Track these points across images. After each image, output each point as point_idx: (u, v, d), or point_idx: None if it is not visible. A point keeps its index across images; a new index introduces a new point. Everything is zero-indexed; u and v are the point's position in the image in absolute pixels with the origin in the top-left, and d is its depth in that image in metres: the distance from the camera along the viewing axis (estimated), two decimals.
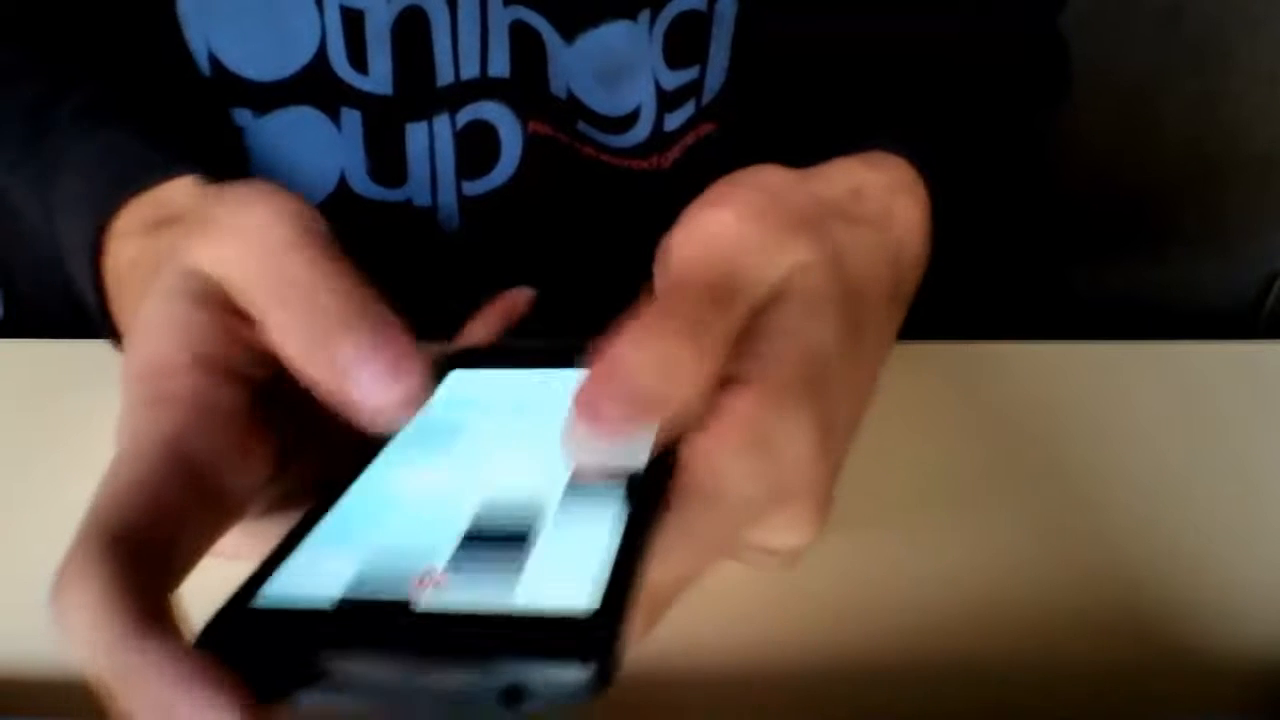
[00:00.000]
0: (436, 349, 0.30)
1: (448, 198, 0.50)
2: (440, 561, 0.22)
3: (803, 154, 0.32)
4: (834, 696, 0.33)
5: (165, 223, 0.33)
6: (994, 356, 0.46)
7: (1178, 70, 0.84)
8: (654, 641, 0.25)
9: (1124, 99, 0.85)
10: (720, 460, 0.24)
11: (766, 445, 0.25)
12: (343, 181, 0.49)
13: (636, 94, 0.49)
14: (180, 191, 0.35)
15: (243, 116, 0.48)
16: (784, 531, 0.27)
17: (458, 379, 0.30)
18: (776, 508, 0.26)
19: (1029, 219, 0.56)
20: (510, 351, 0.32)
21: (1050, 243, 0.80)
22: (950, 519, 0.39)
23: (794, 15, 0.48)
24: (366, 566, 0.22)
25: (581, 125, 0.50)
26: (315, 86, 0.47)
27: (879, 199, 0.33)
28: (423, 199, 0.50)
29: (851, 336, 0.27)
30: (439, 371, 0.30)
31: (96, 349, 0.40)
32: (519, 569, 0.21)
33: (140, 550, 0.22)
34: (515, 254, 0.51)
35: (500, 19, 0.46)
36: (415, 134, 0.49)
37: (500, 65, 0.48)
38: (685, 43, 0.48)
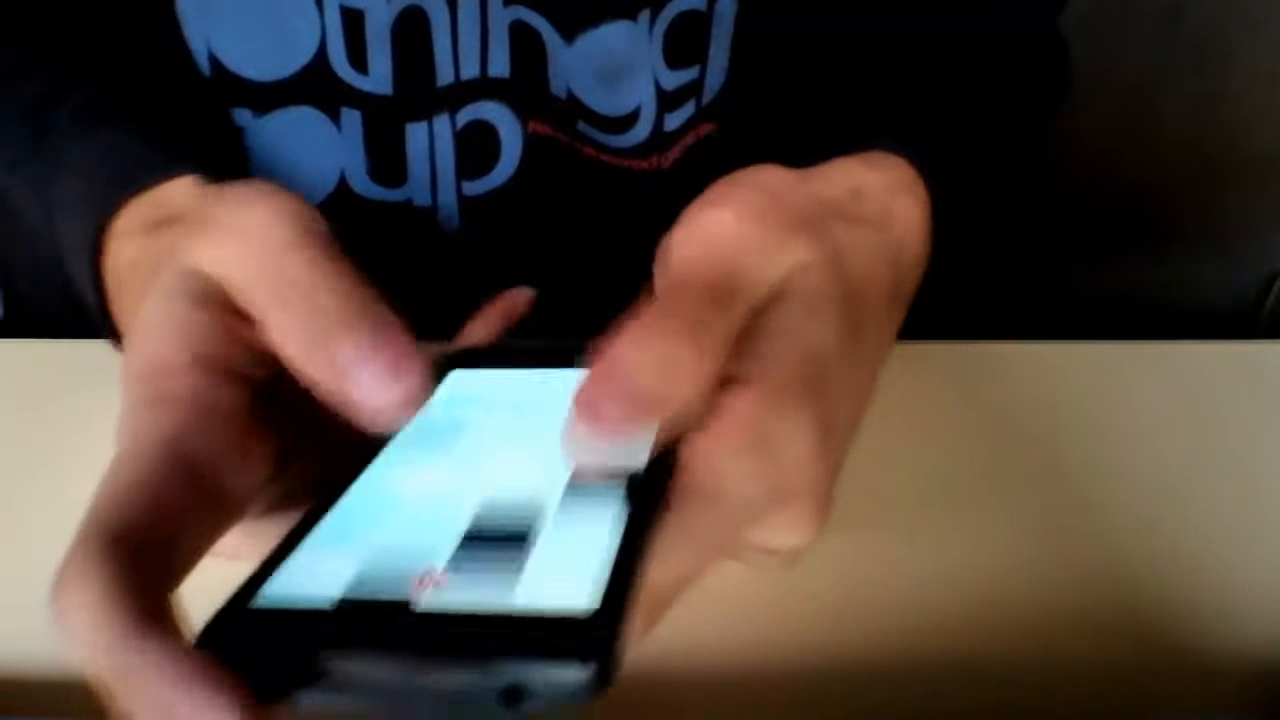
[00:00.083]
0: (436, 349, 0.30)
1: (448, 198, 0.50)
2: (440, 561, 0.22)
3: (803, 154, 0.32)
4: (834, 696, 0.33)
5: (165, 223, 0.34)
6: (994, 356, 0.46)
7: (1178, 70, 0.84)
8: (654, 641, 0.25)
9: (1124, 99, 0.85)
10: (720, 460, 0.24)
11: (766, 445, 0.25)
12: (343, 181, 0.49)
13: (636, 94, 0.49)
14: (180, 191, 0.35)
15: (243, 116, 0.48)
16: (784, 531, 0.27)
17: (458, 379, 0.30)
18: (776, 507, 0.26)
19: (1029, 219, 0.56)
20: (510, 351, 0.32)
21: (1050, 243, 0.80)
22: (950, 519, 0.39)
23: (794, 15, 0.48)
24: (366, 566, 0.22)
25: (581, 125, 0.50)
26: (315, 86, 0.47)
27: (879, 199, 0.33)
28: (423, 199, 0.50)
29: (852, 336, 0.27)
30: (439, 371, 0.30)
31: (96, 349, 0.40)
32: (519, 569, 0.21)
33: (140, 550, 0.22)
34: (515, 254, 0.51)
35: (500, 19, 0.46)
36: (415, 134, 0.49)
37: (500, 65, 0.48)
38: (685, 43, 0.48)
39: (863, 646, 0.34)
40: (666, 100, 0.50)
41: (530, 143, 0.49)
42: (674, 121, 0.50)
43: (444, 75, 0.47)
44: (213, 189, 0.33)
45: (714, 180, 0.29)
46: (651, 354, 0.24)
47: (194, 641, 0.20)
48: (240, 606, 0.21)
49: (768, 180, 0.29)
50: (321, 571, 0.22)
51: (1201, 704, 0.33)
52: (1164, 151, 0.88)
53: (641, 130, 0.50)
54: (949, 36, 0.48)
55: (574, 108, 0.49)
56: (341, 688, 0.20)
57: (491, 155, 0.50)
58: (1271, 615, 0.36)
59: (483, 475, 0.25)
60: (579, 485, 0.24)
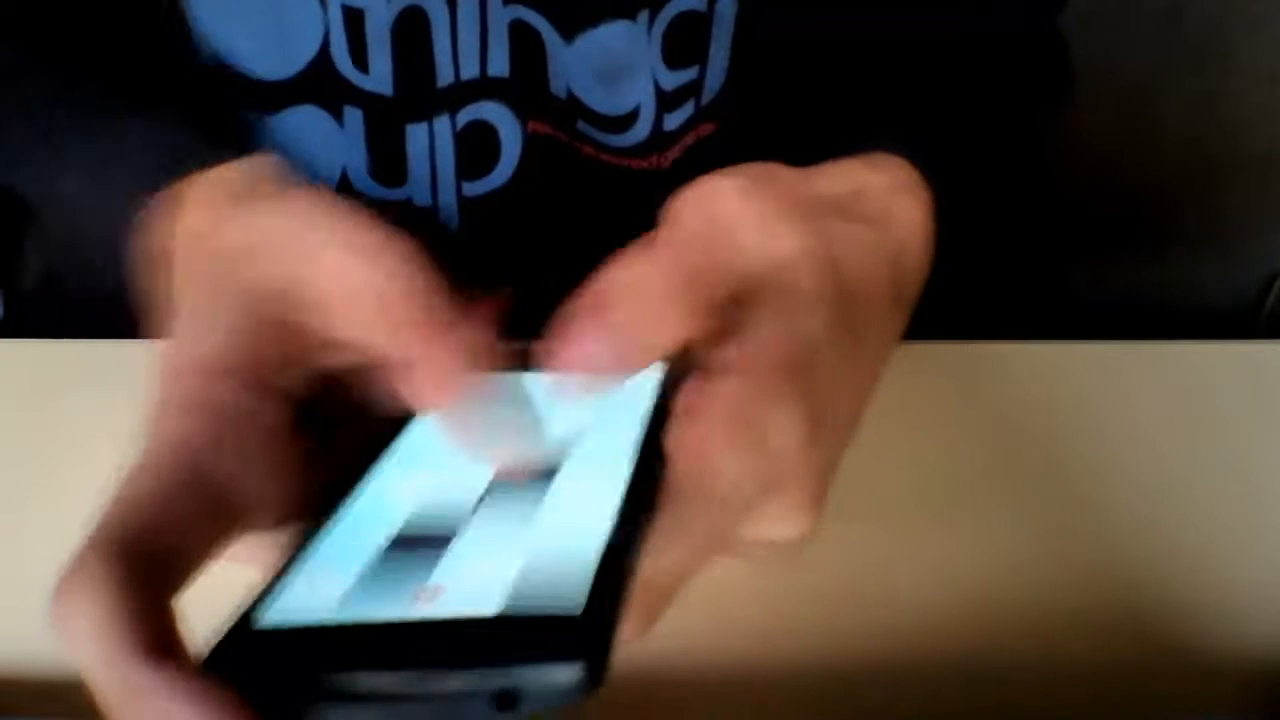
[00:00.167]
0: None
1: (448, 198, 0.50)
2: (439, 572, 0.22)
3: (803, 154, 0.32)
4: (834, 696, 0.33)
5: (240, 198, 0.33)
6: (994, 356, 0.46)
7: (1178, 70, 0.84)
8: (653, 641, 0.25)
9: (1124, 99, 0.85)
10: (709, 451, 0.24)
11: (754, 434, 0.25)
12: (344, 180, 0.50)
13: (636, 94, 0.49)
14: (253, 170, 0.35)
15: (249, 115, 0.48)
16: (778, 522, 0.27)
17: None
18: (768, 498, 0.26)
19: (1029, 219, 0.56)
20: (505, 356, 0.32)
21: (1050, 243, 0.80)
22: (950, 519, 0.39)
23: (794, 15, 0.48)
24: (366, 581, 0.22)
25: (581, 125, 0.50)
26: (319, 85, 0.47)
27: (880, 199, 0.33)
28: (423, 199, 0.50)
29: (847, 333, 0.27)
30: None
31: (97, 349, 0.40)
32: (512, 572, 0.21)
33: (148, 563, 0.22)
34: (515, 254, 0.51)
35: (500, 18, 0.47)
36: (415, 134, 0.49)
37: (500, 65, 0.48)
38: (685, 43, 0.48)
39: (862, 646, 0.34)
40: (666, 100, 0.50)
41: (530, 142, 0.49)
42: (674, 121, 0.50)
43: (444, 75, 0.47)
44: (283, 184, 0.33)
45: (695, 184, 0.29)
46: (639, 302, 0.25)
47: (200, 661, 0.20)
48: (244, 626, 0.21)
49: (772, 173, 0.29)
50: (322, 589, 0.22)
51: (1201, 704, 0.33)
52: (1164, 151, 0.88)
53: (641, 130, 0.50)
54: (949, 36, 0.48)
55: (574, 107, 0.49)
56: (344, 704, 0.20)
57: (491, 155, 0.50)
58: (1271, 615, 0.36)
59: (478, 483, 0.25)
60: (571, 487, 0.24)
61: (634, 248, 0.27)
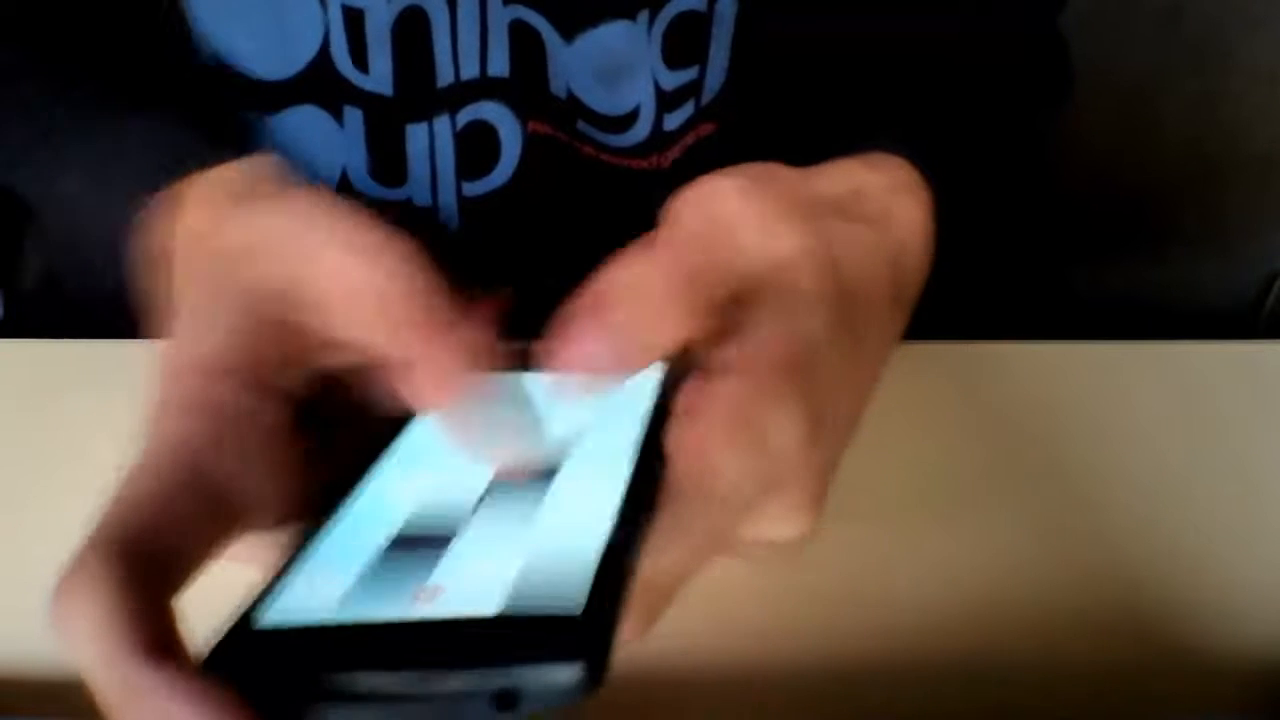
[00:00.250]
0: None
1: (448, 198, 0.50)
2: (439, 572, 0.22)
3: (803, 154, 0.32)
4: (834, 696, 0.33)
5: (240, 198, 0.33)
6: (994, 356, 0.46)
7: (1178, 70, 0.84)
8: (653, 641, 0.25)
9: (1124, 99, 0.85)
10: (708, 451, 0.24)
11: (753, 434, 0.25)
12: (344, 180, 0.50)
13: (636, 94, 0.49)
14: (253, 170, 0.35)
15: (249, 115, 0.48)
16: (778, 522, 0.27)
17: None
18: (767, 497, 0.26)
19: (1029, 219, 0.56)
20: (504, 356, 0.32)
21: (1050, 243, 0.80)
22: (950, 519, 0.39)
23: (794, 15, 0.48)
24: (366, 581, 0.22)
25: (581, 125, 0.50)
26: (319, 84, 0.47)
27: (880, 199, 0.33)
28: (423, 199, 0.50)
29: (847, 332, 0.27)
30: None
31: (97, 349, 0.40)
32: (512, 572, 0.21)
33: (148, 563, 0.22)
34: (515, 254, 0.51)
35: (500, 18, 0.47)
36: (415, 134, 0.49)
37: (500, 65, 0.48)
38: (685, 43, 0.48)
39: (862, 646, 0.34)
40: (666, 100, 0.50)
41: (530, 142, 0.49)
42: (673, 121, 0.50)
43: (444, 75, 0.47)
44: (283, 184, 0.33)
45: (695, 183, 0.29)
46: (639, 303, 0.25)
47: (200, 662, 0.20)
48: (244, 626, 0.21)
49: (772, 173, 0.29)
50: (322, 589, 0.22)
51: (1201, 704, 0.33)
52: (1164, 151, 0.88)
53: (641, 130, 0.50)
54: (949, 36, 0.48)
55: (574, 107, 0.49)
56: (343, 704, 0.20)
57: (491, 155, 0.50)
58: (1271, 615, 0.36)
59: (478, 483, 0.25)
60: (571, 487, 0.24)
61: (634, 248, 0.27)
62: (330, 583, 0.22)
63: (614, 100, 0.49)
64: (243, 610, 0.22)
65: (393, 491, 0.26)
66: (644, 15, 0.47)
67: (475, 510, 0.24)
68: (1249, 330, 0.93)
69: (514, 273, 0.38)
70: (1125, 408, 0.44)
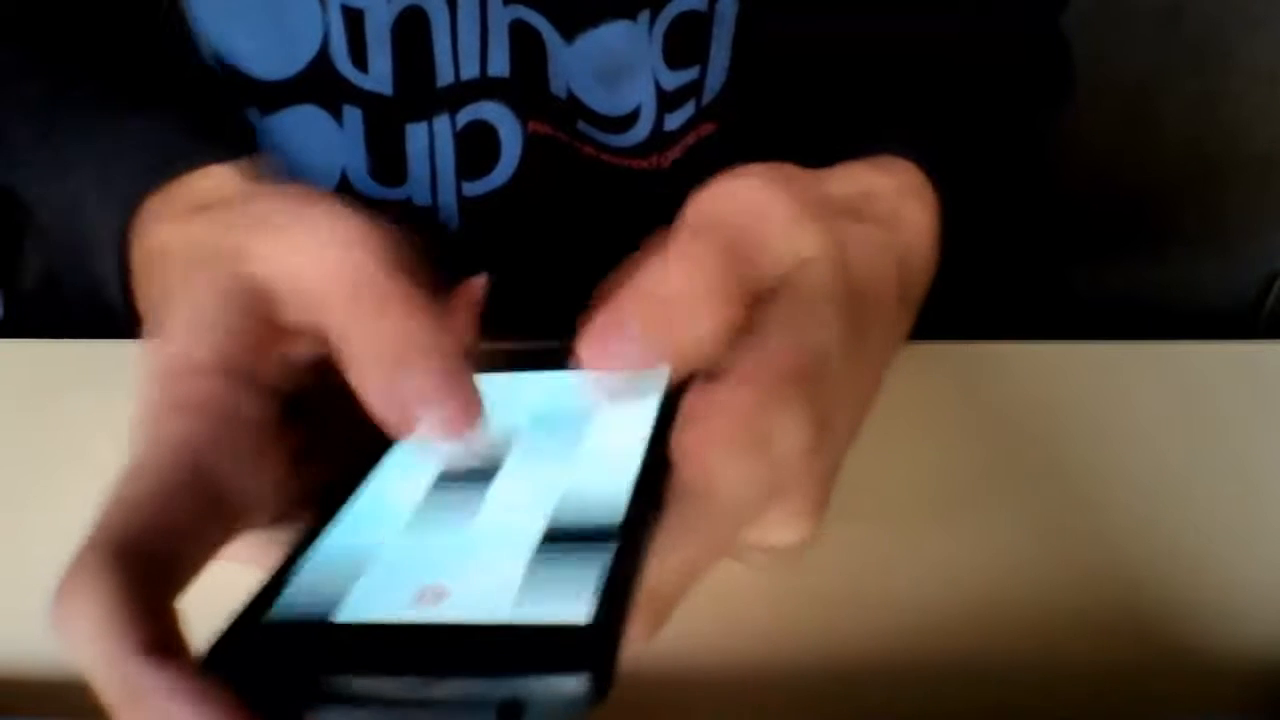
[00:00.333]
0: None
1: (448, 198, 0.50)
2: (442, 574, 0.22)
3: (804, 155, 0.32)
4: (834, 696, 0.33)
5: (202, 209, 0.33)
6: (994, 356, 0.46)
7: (1178, 70, 0.84)
8: (655, 642, 0.25)
9: (1124, 99, 0.85)
10: (713, 458, 0.24)
11: (759, 441, 0.25)
12: (344, 180, 0.49)
13: (636, 94, 0.49)
14: (217, 180, 0.35)
15: (250, 115, 0.48)
16: (780, 528, 0.27)
17: None
18: (771, 504, 0.26)
19: (1029, 219, 0.56)
20: (508, 357, 0.32)
21: (1050, 243, 0.80)
22: (950, 519, 0.39)
23: (794, 15, 0.48)
24: (368, 581, 0.22)
25: (581, 125, 0.50)
26: (318, 84, 0.47)
27: (888, 201, 0.33)
28: (423, 199, 0.50)
29: (855, 336, 0.27)
30: None
31: (98, 349, 0.40)
32: (517, 580, 0.21)
33: (148, 563, 0.22)
34: (515, 254, 0.51)
35: (500, 18, 0.46)
36: (415, 134, 0.49)
37: (500, 65, 0.48)
38: (685, 43, 0.48)
39: (863, 646, 0.34)
40: (666, 100, 0.50)
41: (530, 142, 0.49)
42: (674, 121, 0.50)
43: (444, 75, 0.47)
44: (262, 184, 0.33)
45: (715, 179, 0.29)
46: (676, 296, 0.25)
47: (200, 661, 0.20)
48: (245, 626, 0.21)
49: (788, 173, 0.29)
50: (325, 588, 0.22)
51: (1201, 704, 0.33)
52: (1164, 151, 0.88)
53: (641, 130, 0.50)
54: (950, 36, 0.48)
55: (574, 107, 0.49)
56: (344, 706, 0.20)
57: (491, 155, 0.50)
58: (1271, 615, 0.36)
59: (483, 485, 0.25)
60: (576, 494, 0.24)
61: (657, 244, 0.26)
62: (331, 582, 0.22)
63: (614, 100, 0.49)
64: (243, 610, 0.22)
65: (394, 491, 0.26)
66: (644, 15, 0.47)
67: (479, 512, 0.24)
68: (1249, 330, 0.93)
69: (514, 273, 0.38)
70: (1125, 408, 0.44)
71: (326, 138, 0.48)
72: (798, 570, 0.29)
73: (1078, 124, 0.56)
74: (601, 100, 0.49)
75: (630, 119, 0.50)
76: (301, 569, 0.23)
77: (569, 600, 0.20)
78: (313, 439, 0.27)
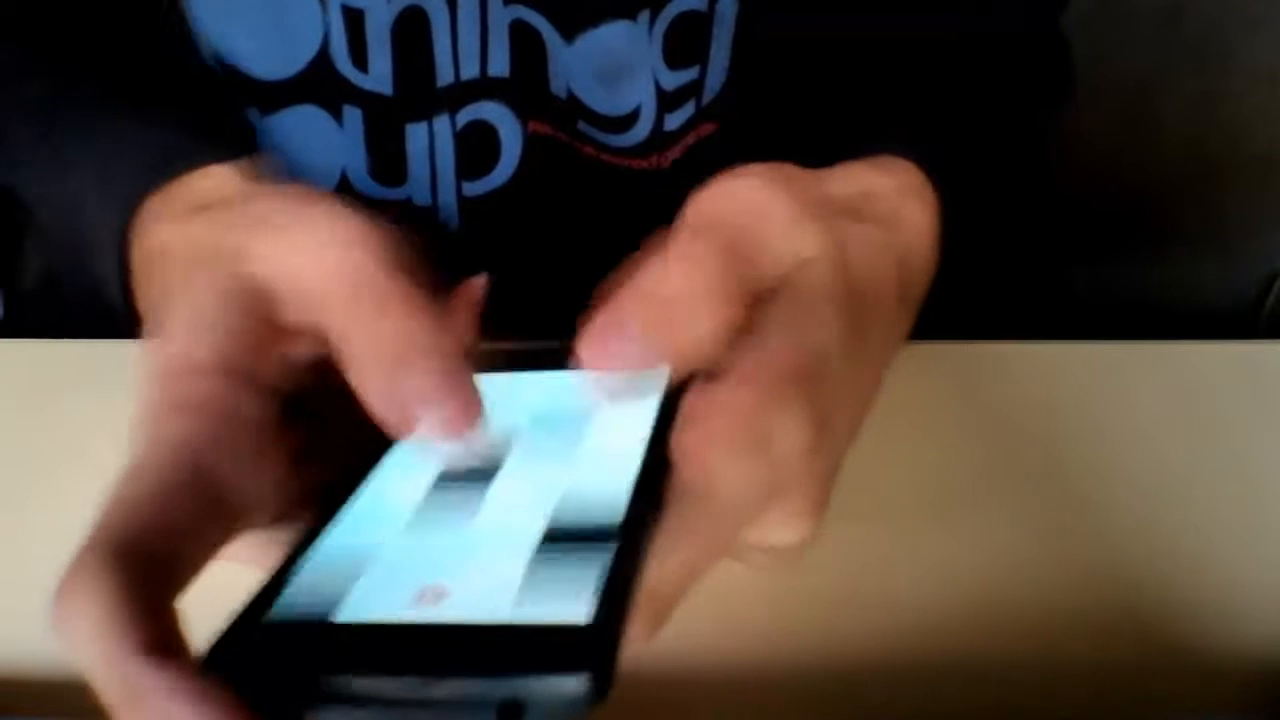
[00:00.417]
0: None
1: (448, 198, 0.50)
2: (442, 573, 0.22)
3: (804, 155, 0.32)
4: (834, 696, 0.33)
5: (202, 209, 0.33)
6: (994, 356, 0.46)
7: (1178, 70, 0.84)
8: (655, 641, 0.25)
9: (1124, 99, 0.85)
10: (713, 458, 0.24)
11: (757, 440, 0.25)
12: (344, 180, 0.49)
13: (636, 94, 0.49)
14: (217, 180, 0.35)
15: (250, 115, 0.48)
16: (779, 528, 0.27)
17: None
18: (770, 503, 0.26)
19: (1029, 219, 0.56)
20: (508, 357, 0.32)
21: (1050, 243, 0.80)
22: (950, 519, 0.39)
23: (794, 15, 0.48)
24: (368, 581, 0.22)
25: (581, 125, 0.50)
26: (318, 84, 0.47)
27: (889, 201, 0.33)
28: (423, 199, 0.50)
29: (855, 336, 0.27)
30: None
31: (98, 349, 0.40)
32: (517, 580, 0.21)
33: (148, 563, 0.22)
34: (515, 254, 0.51)
35: (500, 19, 0.46)
36: (415, 134, 0.49)
37: (500, 65, 0.48)
38: (685, 43, 0.48)
39: (863, 646, 0.34)
40: (667, 100, 0.50)
41: (530, 142, 0.49)
42: (674, 121, 0.50)
43: (444, 75, 0.47)
44: (262, 184, 0.33)
45: (715, 179, 0.29)
46: (677, 295, 0.25)
47: (200, 661, 0.20)
48: (245, 626, 0.21)
49: (789, 173, 0.29)
50: (325, 588, 0.22)
51: (1201, 704, 0.33)
52: (1164, 151, 0.88)
53: (641, 130, 0.50)
54: (950, 36, 0.48)
55: (574, 107, 0.49)
56: (344, 706, 0.20)
57: (491, 155, 0.50)
58: (1271, 615, 0.36)
59: (483, 485, 0.25)
60: (577, 491, 0.24)
61: (657, 243, 0.26)
62: (332, 582, 0.22)
63: (614, 100, 0.49)
64: (243, 610, 0.22)
65: (394, 490, 0.26)
66: (644, 15, 0.47)
67: (479, 511, 0.24)
68: (1249, 330, 0.93)
69: (514, 273, 0.38)
70: (1125, 408, 0.44)
71: (326, 138, 0.48)
72: (798, 570, 0.29)
73: (1078, 124, 0.56)
74: (601, 100, 0.49)
75: (630, 119, 0.50)
76: (301, 569, 0.23)
77: (569, 600, 0.20)
78: (313, 439, 0.27)
